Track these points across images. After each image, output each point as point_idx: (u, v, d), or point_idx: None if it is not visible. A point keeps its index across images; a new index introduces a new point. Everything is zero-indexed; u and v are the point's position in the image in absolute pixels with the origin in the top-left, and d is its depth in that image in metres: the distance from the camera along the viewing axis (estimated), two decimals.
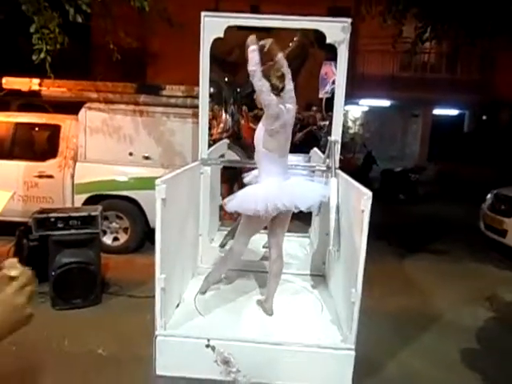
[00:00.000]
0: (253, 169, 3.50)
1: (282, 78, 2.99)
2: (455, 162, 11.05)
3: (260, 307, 3.28)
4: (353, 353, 2.73)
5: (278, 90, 2.96)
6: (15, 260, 0.92)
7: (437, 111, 13.97)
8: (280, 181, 3.05)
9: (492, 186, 6.37)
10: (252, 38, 2.96)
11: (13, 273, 0.89)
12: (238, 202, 3.03)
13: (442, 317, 3.94)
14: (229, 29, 3.60)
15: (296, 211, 3.07)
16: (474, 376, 3.03)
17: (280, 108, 2.93)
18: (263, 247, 4.06)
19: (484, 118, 13.72)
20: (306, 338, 2.87)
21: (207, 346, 2.26)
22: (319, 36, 3.86)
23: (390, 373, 3.02)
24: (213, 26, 3.58)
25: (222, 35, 3.60)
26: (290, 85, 3.08)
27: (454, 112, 14.19)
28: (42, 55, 3.65)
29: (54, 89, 5.15)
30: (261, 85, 2.86)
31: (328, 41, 3.62)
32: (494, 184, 6.46)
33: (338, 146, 3.78)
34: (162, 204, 2.62)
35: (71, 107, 5.33)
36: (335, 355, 2.75)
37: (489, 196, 6.27)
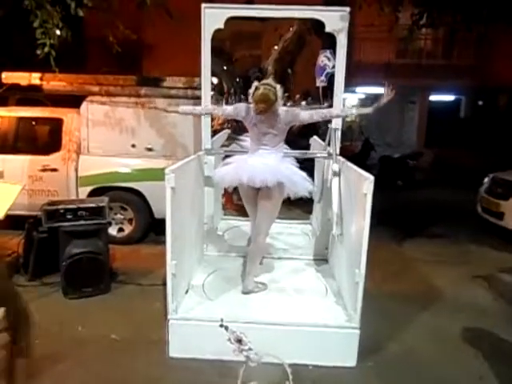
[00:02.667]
0: None
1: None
2: (452, 147, 11.17)
3: (264, 290, 3.41)
4: (357, 331, 2.85)
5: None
6: None
7: (433, 97, 14.03)
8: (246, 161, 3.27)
9: (488, 171, 6.48)
10: None
11: None
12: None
13: (441, 297, 4.07)
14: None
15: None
16: (471, 353, 3.15)
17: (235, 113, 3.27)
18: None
19: (480, 103, 13.80)
20: (312, 318, 2.99)
21: (221, 325, 2.36)
22: (316, 24, 3.91)
23: (393, 350, 3.14)
24: (213, 18, 3.63)
25: (222, 26, 3.65)
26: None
27: (450, 98, 14.26)
28: (46, 49, 3.69)
29: (55, 83, 5.18)
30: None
31: (327, 29, 3.68)
32: (490, 169, 6.56)
33: (339, 133, 3.86)
34: (172, 192, 2.70)
35: (71, 101, 5.39)
36: (341, 334, 2.88)
37: (486, 180, 6.38)
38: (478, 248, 5.52)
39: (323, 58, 6.89)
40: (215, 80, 3.98)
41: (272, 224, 3.44)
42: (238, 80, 6.07)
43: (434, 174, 10.56)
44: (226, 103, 5.80)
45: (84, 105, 5.13)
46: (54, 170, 5.09)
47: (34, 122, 5.42)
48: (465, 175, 8.50)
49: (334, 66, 3.78)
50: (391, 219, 6.33)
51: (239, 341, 2.24)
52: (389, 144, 12.27)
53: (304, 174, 3.34)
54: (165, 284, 3.07)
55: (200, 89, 4.00)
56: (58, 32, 3.95)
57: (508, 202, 5.70)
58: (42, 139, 5.44)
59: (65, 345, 3.07)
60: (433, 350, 3.17)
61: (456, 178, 9.26)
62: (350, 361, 2.88)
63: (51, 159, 5.12)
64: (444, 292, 4.18)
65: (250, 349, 2.29)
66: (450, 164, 10.60)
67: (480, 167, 7.28)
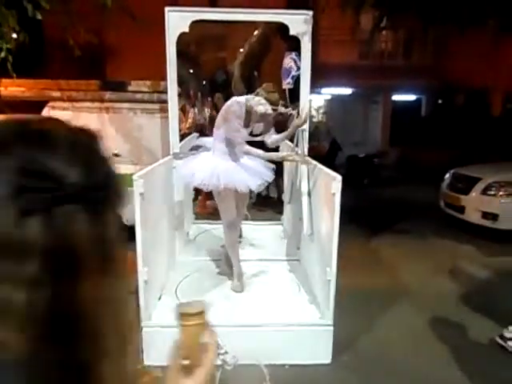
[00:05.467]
0: None
1: None
2: (415, 145, 11.53)
3: (236, 291, 3.45)
4: (331, 328, 2.90)
5: None
6: None
7: (396, 97, 14.47)
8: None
9: (449, 167, 6.74)
10: None
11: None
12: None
13: (409, 290, 4.20)
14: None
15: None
16: (440, 344, 3.27)
17: None
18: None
19: (440, 101, 14.35)
20: (286, 317, 3.02)
21: None
22: (282, 27, 3.96)
23: (365, 345, 3.21)
24: (178, 21, 3.61)
25: (187, 30, 3.63)
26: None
27: (411, 97, 14.75)
28: (3, 54, 3.55)
29: (13, 88, 5.00)
30: None
31: (291, 33, 3.73)
32: (452, 165, 6.83)
33: (306, 134, 3.92)
34: (141, 198, 2.66)
35: (31, 107, 5.20)
36: (315, 332, 2.92)
37: (447, 176, 6.64)
38: (442, 241, 5.74)
39: (289, 61, 6.95)
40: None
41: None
42: (204, 83, 6.04)
43: (399, 171, 10.89)
44: (193, 107, 5.77)
45: (45, 111, 4.97)
46: None
47: None
48: (428, 172, 8.79)
49: (299, 68, 3.83)
50: (359, 217, 6.48)
51: None
52: (355, 143, 12.55)
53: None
54: (137, 291, 3.01)
55: (166, 92, 3.96)
56: (14, 35, 3.81)
57: (468, 196, 5.95)
58: None
59: None
60: (404, 343, 3.27)
61: (419, 175, 9.57)
62: (325, 358, 2.93)
63: None
64: (411, 285, 4.32)
65: (226, 352, 2.28)
66: (414, 161, 10.94)
67: (442, 164, 7.55)
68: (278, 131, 3.39)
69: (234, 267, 3.53)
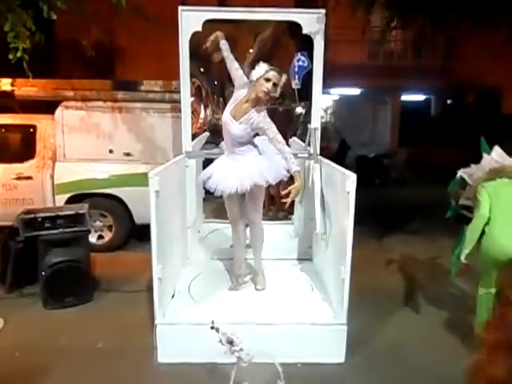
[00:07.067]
0: None
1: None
2: (424, 145, 11.47)
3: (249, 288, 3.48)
4: (345, 327, 2.90)
5: None
6: None
7: (404, 97, 14.39)
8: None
9: (459, 167, 6.67)
10: None
11: None
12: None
13: (421, 290, 4.18)
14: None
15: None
16: (454, 343, 3.24)
17: None
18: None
19: (449, 102, 14.26)
20: (300, 316, 3.02)
21: (212, 327, 2.35)
22: (291, 26, 3.94)
23: (379, 344, 3.20)
24: (191, 20, 3.63)
25: (200, 29, 3.65)
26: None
27: (420, 97, 14.66)
28: (19, 54, 3.59)
29: (27, 88, 5.05)
30: None
31: (304, 31, 3.73)
32: (461, 164, 6.76)
33: (318, 133, 3.92)
34: (156, 196, 2.68)
35: (45, 107, 5.26)
36: (329, 331, 2.92)
37: (458, 175, 6.57)
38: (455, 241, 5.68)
39: (297, 61, 6.97)
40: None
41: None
42: (215, 83, 6.06)
43: (409, 171, 10.83)
44: (205, 108, 5.78)
45: (59, 110, 5.02)
46: (29, 177, 4.95)
47: (6, 130, 5.22)
48: (437, 171, 8.74)
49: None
50: (370, 217, 6.45)
51: (231, 342, 2.24)
52: (364, 144, 12.50)
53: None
54: (149, 290, 3.03)
55: (178, 92, 3.98)
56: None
57: None
58: (15, 147, 5.26)
59: (49, 358, 2.98)
60: (418, 342, 3.25)
61: (429, 175, 9.51)
62: (339, 357, 2.92)
63: (25, 167, 4.97)
64: (424, 285, 4.29)
65: (241, 349, 2.29)
66: (423, 161, 10.89)
67: (451, 163, 7.49)
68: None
69: (234, 266, 3.61)
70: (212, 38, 3.33)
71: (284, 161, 3.06)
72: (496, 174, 3.21)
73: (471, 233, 3.11)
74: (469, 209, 3.55)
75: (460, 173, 3.63)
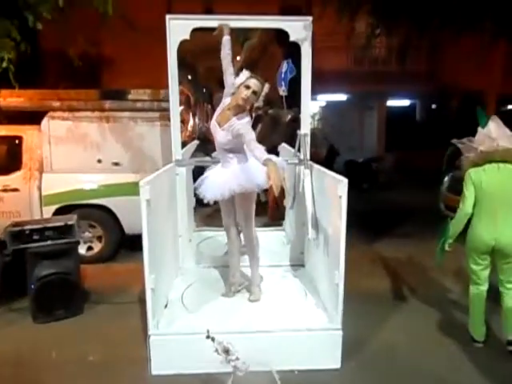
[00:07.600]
0: None
1: None
2: (410, 150, 11.61)
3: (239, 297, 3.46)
4: (340, 332, 2.88)
5: None
6: None
7: (390, 102, 14.58)
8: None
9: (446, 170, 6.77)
10: None
11: None
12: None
13: (413, 294, 4.20)
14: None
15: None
16: (449, 347, 3.25)
17: None
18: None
19: (434, 106, 14.48)
20: (294, 322, 3.00)
21: (207, 336, 2.32)
22: (278, 34, 3.97)
23: (374, 349, 3.19)
24: (179, 29, 3.62)
25: (188, 37, 3.65)
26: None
27: (406, 103, 14.87)
28: (4, 64, 3.54)
29: (12, 99, 4.99)
30: None
31: (291, 39, 3.76)
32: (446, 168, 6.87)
33: (308, 139, 3.94)
34: (147, 205, 2.65)
35: (31, 117, 5.18)
36: (324, 336, 2.90)
37: (446, 179, 6.67)
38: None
39: (284, 68, 7.03)
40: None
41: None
42: (204, 91, 6.07)
43: (396, 175, 10.96)
44: (194, 116, 5.77)
45: (45, 121, 4.95)
46: (15, 189, 4.86)
47: None
48: (423, 175, 8.86)
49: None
50: (360, 221, 6.47)
51: (227, 351, 2.21)
52: (352, 148, 12.61)
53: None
54: (140, 301, 2.98)
55: (166, 101, 3.96)
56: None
57: None
58: (0, 158, 5.16)
59: (40, 372, 2.91)
60: (413, 346, 3.25)
61: (416, 179, 9.64)
62: (335, 362, 2.90)
63: (12, 179, 4.88)
64: (415, 289, 4.31)
65: (237, 358, 2.26)
66: (410, 166, 11.03)
67: (437, 167, 7.60)
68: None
69: (229, 273, 3.58)
70: (218, 28, 3.34)
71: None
72: (487, 156, 3.03)
73: (454, 227, 3.30)
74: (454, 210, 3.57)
75: (454, 141, 3.38)
